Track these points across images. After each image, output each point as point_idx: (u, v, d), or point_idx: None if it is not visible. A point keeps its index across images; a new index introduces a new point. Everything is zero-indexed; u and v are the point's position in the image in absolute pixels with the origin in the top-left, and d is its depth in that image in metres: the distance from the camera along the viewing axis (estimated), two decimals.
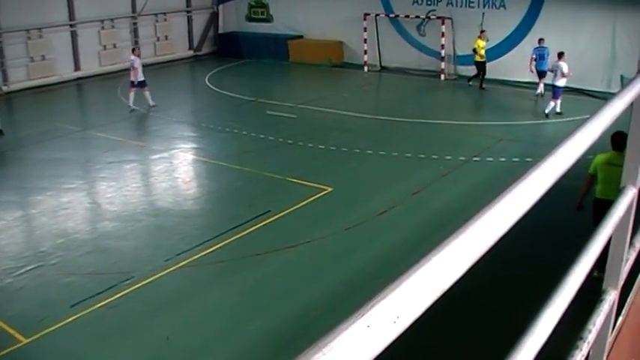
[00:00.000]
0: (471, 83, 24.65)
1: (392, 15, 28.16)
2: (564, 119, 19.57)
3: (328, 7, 30.14)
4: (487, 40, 23.95)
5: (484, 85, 24.16)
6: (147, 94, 22.65)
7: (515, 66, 24.28)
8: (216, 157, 17.55)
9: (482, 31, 24.02)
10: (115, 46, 29.98)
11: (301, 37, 31.91)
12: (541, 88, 22.52)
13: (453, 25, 26.70)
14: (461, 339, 9.05)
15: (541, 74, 22.38)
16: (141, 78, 22.33)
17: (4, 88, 25.53)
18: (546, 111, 20.07)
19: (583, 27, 23.01)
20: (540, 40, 22.29)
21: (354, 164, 16.65)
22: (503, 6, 25.34)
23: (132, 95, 22.50)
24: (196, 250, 12.00)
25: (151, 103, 22.71)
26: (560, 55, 19.89)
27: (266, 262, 11.58)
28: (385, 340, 1.00)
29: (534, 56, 22.31)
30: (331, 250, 11.99)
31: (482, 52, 23.71)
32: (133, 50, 23.05)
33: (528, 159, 15.61)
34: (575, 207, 10.33)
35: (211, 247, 12.12)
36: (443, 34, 26.44)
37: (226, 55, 32.92)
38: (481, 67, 24.07)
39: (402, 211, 13.62)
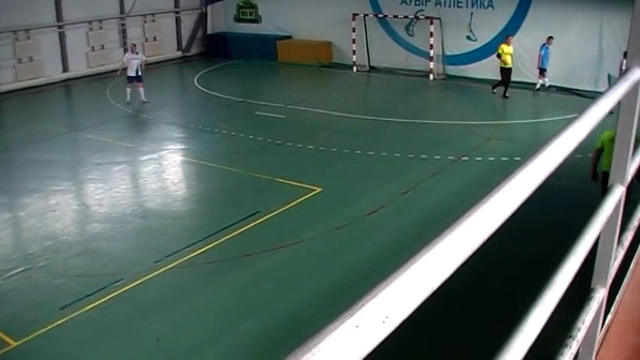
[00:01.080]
0: (495, 91, 23.22)
1: (380, 15, 28.21)
2: (553, 118, 19.65)
3: (317, 8, 30.15)
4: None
5: (507, 94, 22.74)
6: (128, 90, 23.16)
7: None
8: (205, 158, 17.52)
9: (507, 36, 23.06)
10: (103, 47, 29.87)
11: (290, 37, 31.91)
12: (540, 84, 22.90)
13: (442, 25, 26.74)
14: (450, 339, 9.07)
15: (542, 71, 22.73)
16: (130, 74, 22.83)
17: None
18: None
19: (570, 26, 23.11)
20: (549, 39, 22.43)
21: (344, 164, 16.66)
22: (492, 6, 25.41)
23: (141, 90, 23.14)
24: (186, 251, 11.98)
25: (128, 99, 23.21)
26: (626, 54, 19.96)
27: (256, 263, 11.57)
28: (374, 340, 0.99)
29: (541, 53, 22.64)
30: (321, 251, 11.99)
31: (508, 58, 22.49)
32: (134, 46, 23.78)
33: (517, 158, 15.64)
34: (589, 177, 11.32)
35: (201, 248, 12.10)
36: (432, 34, 26.49)
37: (215, 55, 32.86)
38: (506, 74, 22.68)
39: (392, 210, 13.64)
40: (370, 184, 15.20)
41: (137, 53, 23.29)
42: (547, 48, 22.47)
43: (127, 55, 23.41)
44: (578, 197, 10.72)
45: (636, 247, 3.82)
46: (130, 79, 22.98)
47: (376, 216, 13.31)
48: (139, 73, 22.98)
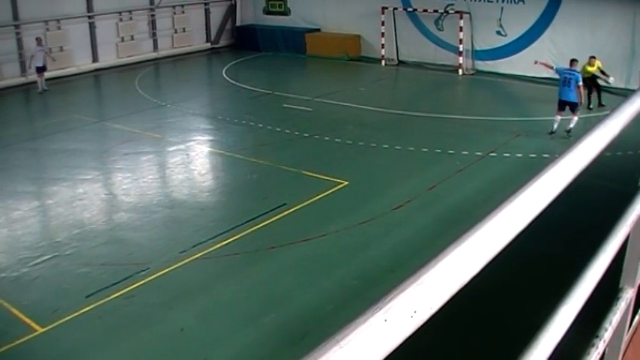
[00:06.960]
0: (604, 104, 20.19)
1: (410, 9, 28.06)
2: (583, 115, 19.42)
3: (346, 1, 30.12)
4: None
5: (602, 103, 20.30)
6: (39, 80, 24.67)
7: (533, 61, 24.16)
8: (232, 150, 17.57)
9: (591, 58, 19.86)
10: (132, 37, 30.10)
11: (318, 30, 31.87)
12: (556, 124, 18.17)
13: (472, 20, 26.56)
14: (475, 337, 9.02)
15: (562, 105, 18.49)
16: (37, 64, 24.44)
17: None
18: None
19: (602, 22, 22.84)
20: (573, 62, 18.18)
21: (370, 158, 16.63)
22: (522, 1, 25.18)
23: (43, 79, 24.81)
24: (211, 242, 12.04)
25: (40, 89, 24.65)
26: None
27: (280, 256, 11.59)
28: (402, 334, 0.99)
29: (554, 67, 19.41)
30: (346, 244, 11.98)
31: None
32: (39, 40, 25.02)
33: (545, 155, 15.53)
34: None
35: (226, 239, 12.15)
36: (461, 29, 26.33)
37: (243, 47, 32.93)
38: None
39: (418, 205, 13.59)
40: (396, 179, 15.16)
41: (42, 45, 24.68)
42: (569, 73, 17.79)
43: (35, 47, 24.52)
44: (605, 196, 10.61)
45: None
46: (39, 69, 24.48)
47: (402, 211, 13.27)
48: (45, 64, 24.70)
